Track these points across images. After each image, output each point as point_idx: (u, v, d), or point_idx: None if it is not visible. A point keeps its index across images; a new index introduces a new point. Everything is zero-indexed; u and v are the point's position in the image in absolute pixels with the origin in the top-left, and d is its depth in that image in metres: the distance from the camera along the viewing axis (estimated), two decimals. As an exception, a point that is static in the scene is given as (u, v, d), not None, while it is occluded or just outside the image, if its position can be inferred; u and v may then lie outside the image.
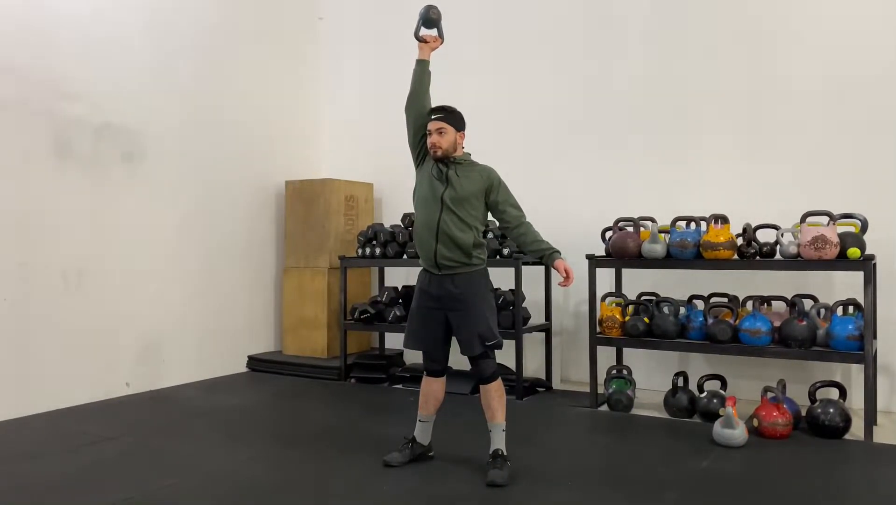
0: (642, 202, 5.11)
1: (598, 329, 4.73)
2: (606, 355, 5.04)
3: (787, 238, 4.25)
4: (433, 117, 3.33)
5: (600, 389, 4.76)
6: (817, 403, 3.97)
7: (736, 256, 4.35)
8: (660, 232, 4.54)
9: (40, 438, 4.01)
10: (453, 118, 3.35)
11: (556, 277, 3.52)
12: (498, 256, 5.08)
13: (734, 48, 5.08)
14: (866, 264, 3.94)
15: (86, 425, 4.23)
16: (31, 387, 4.50)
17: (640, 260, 4.58)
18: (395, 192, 6.45)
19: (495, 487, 3.11)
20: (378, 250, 5.66)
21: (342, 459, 3.54)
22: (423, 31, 3.45)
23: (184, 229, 5.55)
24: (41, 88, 4.60)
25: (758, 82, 5.00)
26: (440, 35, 3.48)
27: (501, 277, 5.20)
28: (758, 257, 4.31)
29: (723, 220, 4.33)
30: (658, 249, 4.49)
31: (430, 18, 3.41)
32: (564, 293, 5.57)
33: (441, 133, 3.30)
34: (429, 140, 3.33)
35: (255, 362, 6.06)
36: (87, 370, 4.82)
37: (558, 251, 3.31)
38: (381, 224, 5.87)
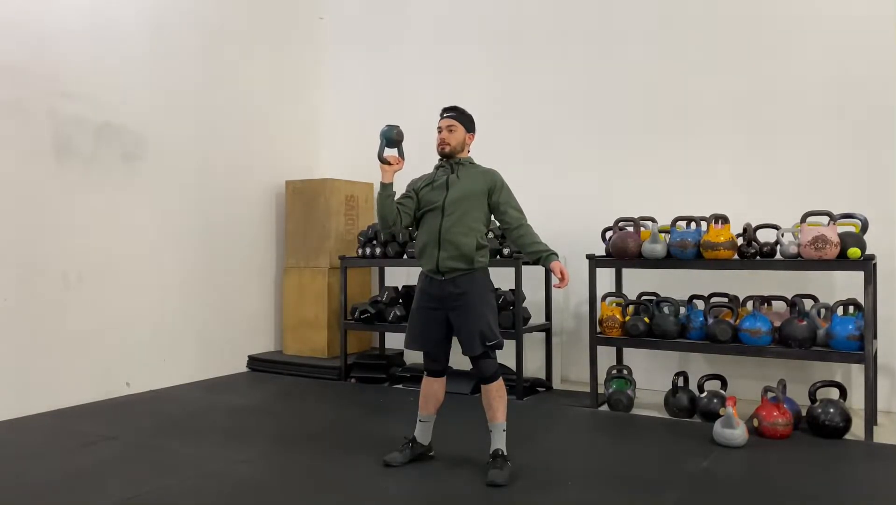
0: (642, 202, 5.11)
1: (598, 329, 4.73)
2: (606, 355, 5.04)
3: (787, 238, 4.25)
4: (445, 115, 3.38)
5: (600, 389, 4.76)
6: (817, 403, 3.97)
7: (736, 256, 4.35)
8: (660, 232, 4.54)
9: (40, 438, 4.01)
10: (464, 118, 3.40)
11: (554, 279, 3.53)
12: (498, 256, 5.08)
13: (734, 48, 5.08)
14: (866, 264, 3.94)
15: (86, 425, 4.23)
16: (31, 387, 4.50)
17: (640, 260, 4.58)
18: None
19: (495, 487, 3.11)
20: (378, 250, 5.66)
21: (342, 459, 3.54)
22: (387, 152, 3.33)
23: (184, 229, 5.55)
24: (41, 88, 4.60)
25: (758, 82, 5.00)
26: (401, 155, 3.37)
27: (501, 277, 5.19)
28: (758, 257, 4.31)
29: (723, 220, 4.33)
30: (658, 249, 4.49)
31: (392, 139, 3.31)
32: (565, 293, 5.57)
33: (451, 130, 3.35)
34: (438, 137, 3.37)
35: (255, 362, 6.06)
36: (87, 370, 4.82)
37: (555, 253, 3.32)
38: (382, 224, 5.86)
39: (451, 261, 3.27)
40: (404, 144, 3.37)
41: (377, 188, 3.39)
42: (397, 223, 3.37)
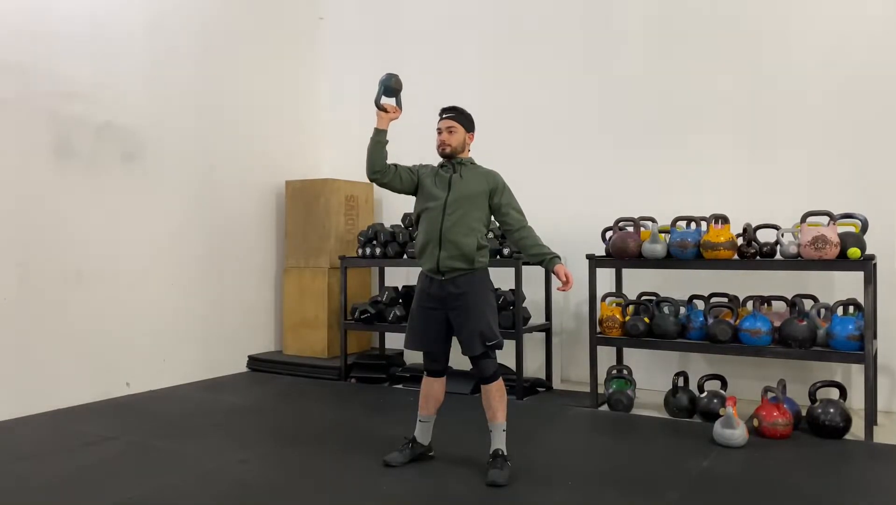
0: (642, 202, 5.11)
1: (598, 329, 4.73)
2: (606, 355, 5.04)
3: (787, 238, 4.25)
4: (444, 116, 3.37)
5: (600, 389, 4.75)
6: (817, 403, 3.97)
7: (736, 256, 4.34)
8: (660, 232, 4.54)
9: (40, 438, 4.01)
10: (464, 118, 3.39)
11: (556, 281, 3.53)
12: (498, 256, 5.08)
13: (735, 48, 5.07)
14: (866, 264, 3.94)
15: (86, 425, 4.23)
16: (31, 387, 4.50)
17: (640, 260, 4.58)
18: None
19: (495, 487, 3.11)
20: (378, 250, 5.66)
21: (342, 459, 3.54)
22: (384, 100, 3.35)
23: (184, 229, 5.55)
24: (42, 88, 4.60)
25: (758, 82, 5.00)
26: (399, 105, 3.39)
27: (501, 277, 5.19)
28: (758, 257, 4.31)
29: (723, 220, 4.33)
30: (658, 249, 4.49)
31: (391, 87, 3.33)
32: (565, 293, 5.57)
33: (451, 131, 3.34)
34: (438, 138, 3.36)
35: (255, 362, 6.06)
36: (87, 370, 4.82)
37: (558, 256, 3.32)
38: (382, 224, 5.87)
39: (451, 260, 3.26)
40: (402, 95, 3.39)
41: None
42: (385, 174, 3.34)
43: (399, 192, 3.44)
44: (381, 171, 3.34)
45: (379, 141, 3.32)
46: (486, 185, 3.33)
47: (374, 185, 3.41)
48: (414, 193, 3.46)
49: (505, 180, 3.40)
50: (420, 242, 3.37)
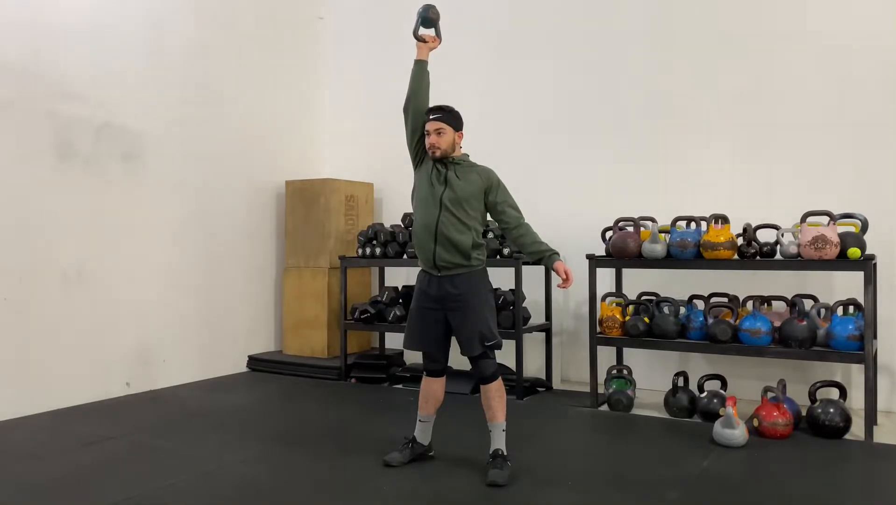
0: (642, 202, 5.11)
1: (598, 329, 4.73)
2: (606, 355, 5.04)
3: (787, 238, 4.25)
4: (431, 117, 3.31)
5: (600, 389, 4.76)
6: (817, 403, 3.97)
7: (736, 256, 4.35)
8: (660, 232, 4.54)
9: (40, 438, 4.00)
10: (452, 118, 3.33)
11: (555, 279, 3.52)
12: (498, 256, 5.08)
13: (734, 48, 5.08)
14: (866, 264, 3.94)
15: (86, 425, 4.23)
16: (31, 387, 4.50)
17: (640, 260, 4.58)
18: (395, 192, 6.45)
19: (495, 486, 3.11)
20: (378, 250, 5.66)
21: (342, 459, 3.54)
22: (422, 31, 3.40)
23: (184, 229, 5.55)
24: (41, 88, 4.60)
25: (758, 82, 5.00)
26: (438, 35, 3.43)
27: (501, 277, 5.20)
28: (758, 257, 4.31)
29: (723, 220, 4.33)
30: (658, 249, 4.49)
31: (428, 18, 3.36)
32: (565, 293, 5.57)
33: (440, 133, 3.29)
34: (427, 140, 3.31)
35: (255, 362, 6.06)
36: (87, 370, 4.82)
37: (557, 253, 3.31)
38: (382, 224, 5.87)
39: (447, 255, 3.25)
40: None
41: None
42: (423, 102, 3.36)
43: (410, 137, 3.41)
44: (425, 102, 3.36)
45: (422, 71, 3.37)
46: (480, 183, 3.31)
47: (406, 116, 3.40)
48: (413, 153, 3.42)
49: (500, 177, 3.39)
50: (416, 237, 3.36)
